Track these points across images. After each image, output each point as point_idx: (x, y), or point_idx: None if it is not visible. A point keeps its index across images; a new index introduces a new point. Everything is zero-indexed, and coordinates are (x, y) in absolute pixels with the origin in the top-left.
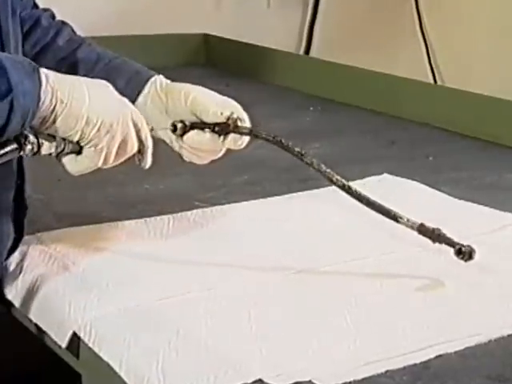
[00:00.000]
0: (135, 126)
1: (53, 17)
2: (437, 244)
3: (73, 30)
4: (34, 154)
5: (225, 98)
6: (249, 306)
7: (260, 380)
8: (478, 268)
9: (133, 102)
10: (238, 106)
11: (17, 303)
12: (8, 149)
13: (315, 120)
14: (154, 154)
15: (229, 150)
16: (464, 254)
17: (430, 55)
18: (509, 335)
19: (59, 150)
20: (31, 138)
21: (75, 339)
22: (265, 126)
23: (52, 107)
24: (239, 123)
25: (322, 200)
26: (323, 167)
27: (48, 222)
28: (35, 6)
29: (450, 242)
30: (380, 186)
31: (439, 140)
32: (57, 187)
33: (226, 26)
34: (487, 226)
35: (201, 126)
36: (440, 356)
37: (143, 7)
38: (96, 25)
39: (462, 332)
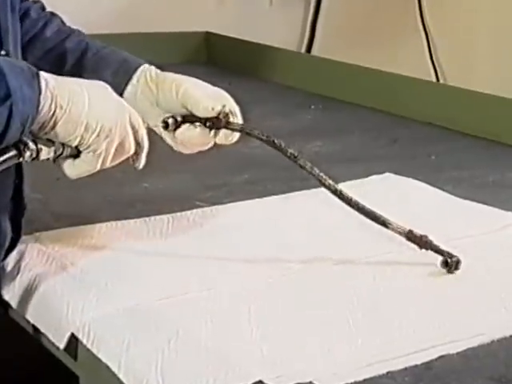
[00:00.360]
0: (133, 127)
1: (43, 8)
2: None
3: (62, 22)
4: (33, 159)
5: (216, 89)
6: (249, 307)
7: (260, 381)
8: (480, 268)
9: (122, 91)
10: (230, 99)
11: (14, 304)
12: (7, 156)
13: (317, 118)
14: (153, 153)
15: (225, 147)
16: (450, 265)
17: (433, 53)
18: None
19: (58, 153)
20: (30, 144)
21: (73, 340)
22: (266, 125)
23: (51, 113)
24: (231, 118)
25: (322, 199)
26: (316, 170)
27: (46, 221)
28: None
29: (437, 250)
30: (382, 185)
31: (441, 138)
32: (55, 186)
33: (228, 24)
34: (489, 225)
35: (192, 119)
36: (442, 357)
37: (145, 5)
38: (97, 22)
39: (464, 332)
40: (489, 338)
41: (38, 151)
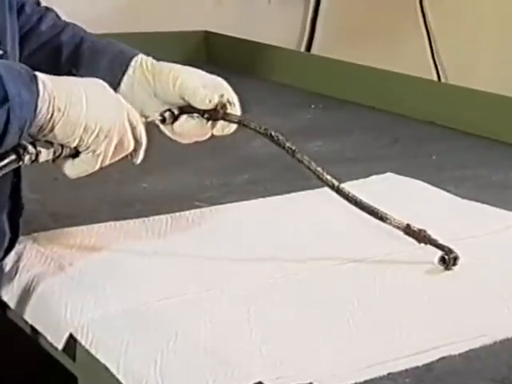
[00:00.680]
0: (131, 124)
1: (37, 3)
2: (422, 245)
3: (57, 16)
4: (33, 162)
5: (214, 77)
6: (248, 307)
7: (260, 383)
8: (483, 268)
9: (118, 81)
10: (228, 87)
11: (12, 304)
12: (7, 161)
13: (317, 118)
14: (152, 153)
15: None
16: (448, 262)
17: (434, 52)
18: None
19: (57, 154)
20: (30, 148)
21: (72, 341)
22: (266, 124)
23: (49, 115)
24: (229, 108)
25: (322, 199)
26: (314, 165)
27: (44, 222)
28: None
29: (436, 244)
30: (383, 185)
31: (443, 138)
32: (53, 186)
33: (227, 23)
34: (492, 226)
35: (189, 110)
36: (443, 358)
37: (144, 4)
38: (96, 22)
39: (465, 333)
40: (491, 338)
41: (38, 154)
